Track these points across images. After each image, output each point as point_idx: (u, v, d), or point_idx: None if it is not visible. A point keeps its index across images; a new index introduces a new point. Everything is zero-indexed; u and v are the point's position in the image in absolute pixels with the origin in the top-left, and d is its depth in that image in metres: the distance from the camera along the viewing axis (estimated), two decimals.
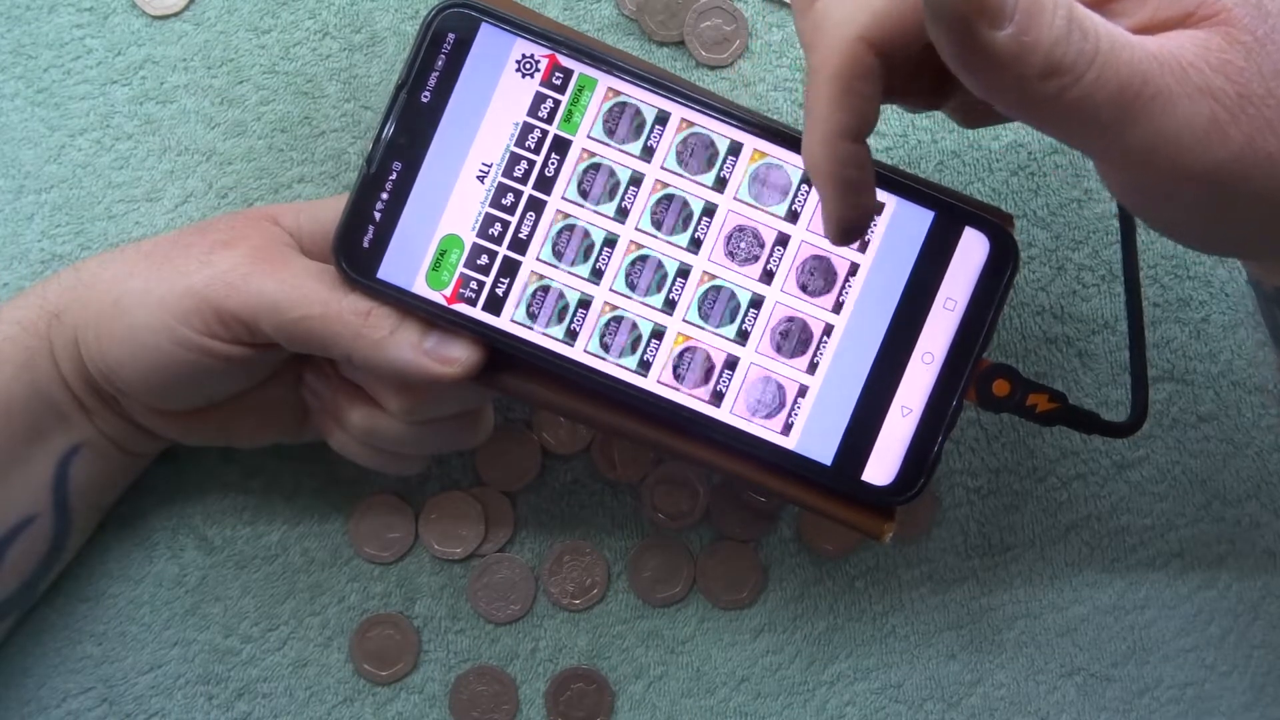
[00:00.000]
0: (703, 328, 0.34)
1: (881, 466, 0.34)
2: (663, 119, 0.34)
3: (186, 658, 0.43)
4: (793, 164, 0.34)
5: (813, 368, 0.34)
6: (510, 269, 0.34)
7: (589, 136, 0.34)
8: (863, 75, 0.25)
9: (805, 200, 0.34)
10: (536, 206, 0.34)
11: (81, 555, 0.42)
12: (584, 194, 0.34)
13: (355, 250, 0.34)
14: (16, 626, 0.42)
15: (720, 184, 0.34)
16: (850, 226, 0.27)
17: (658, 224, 0.34)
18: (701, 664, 0.44)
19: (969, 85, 0.25)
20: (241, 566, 0.43)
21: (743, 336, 0.34)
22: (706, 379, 0.34)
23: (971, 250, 0.34)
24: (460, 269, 0.34)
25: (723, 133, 0.34)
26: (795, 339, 0.34)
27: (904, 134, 0.43)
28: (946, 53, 0.24)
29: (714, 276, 0.34)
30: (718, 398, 0.35)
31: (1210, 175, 0.25)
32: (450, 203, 0.34)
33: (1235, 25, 0.25)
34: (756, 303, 0.34)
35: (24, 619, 0.42)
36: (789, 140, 0.34)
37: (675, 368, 0.34)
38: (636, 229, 0.34)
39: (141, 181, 0.43)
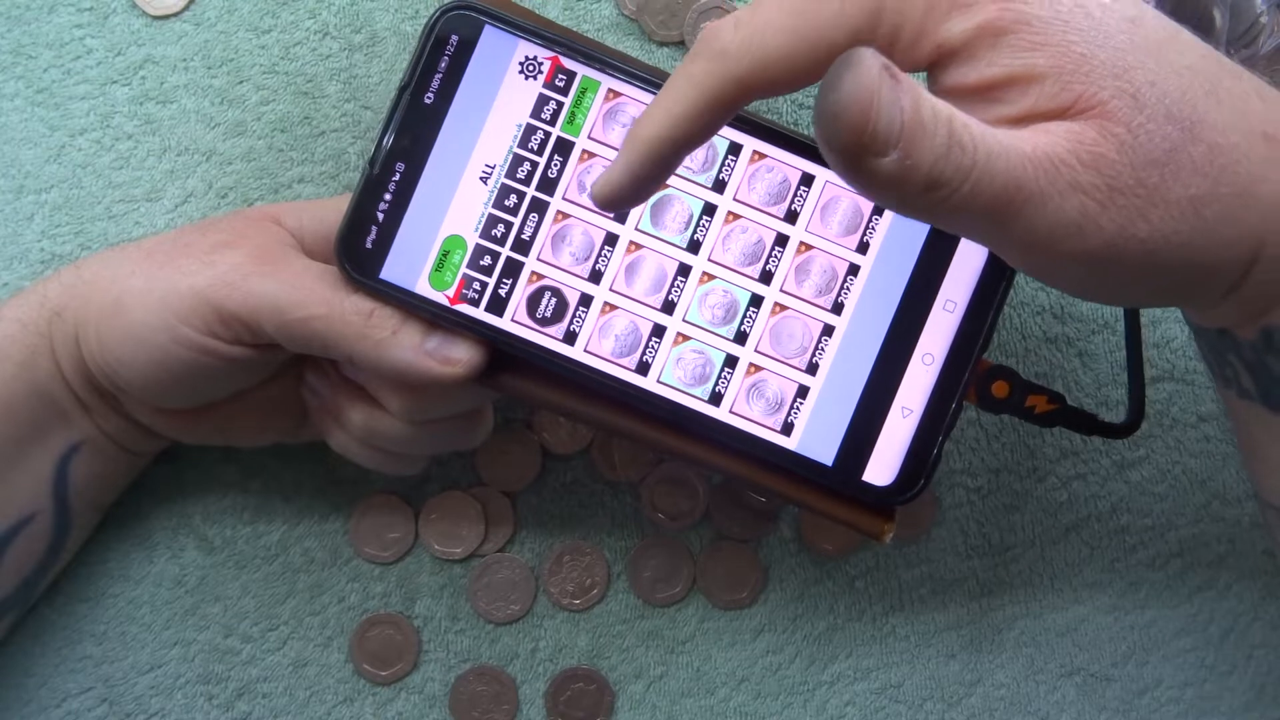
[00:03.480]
0: (703, 328, 0.34)
1: (882, 467, 0.35)
2: None
3: (186, 658, 0.43)
4: (792, 165, 0.34)
5: (813, 368, 0.34)
6: (513, 270, 0.34)
7: (591, 138, 0.34)
8: (723, 113, 0.27)
9: (804, 201, 0.34)
10: (539, 208, 0.34)
11: (81, 555, 0.42)
12: (586, 196, 0.34)
13: (358, 251, 0.34)
14: (16, 626, 0.42)
15: (720, 185, 0.34)
16: (618, 203, 0.28)
17: (659, 225, 0.34)
18: (701, 664, 0.44)
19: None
20: (241, 566, 0.43)
21: (742, 337, 0.34)
22: (707, 379, 0.34)
23: (971, 252, 0.34)
24: (463, 270, 0.34)
25: (722, 134, 0.34)
26: (796, 340, 0.34)
27: None
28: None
29: (714, 277, 0.34)
30: (718, 398, 0.35)
31: (1085, 260, 0.27)
32: (453, 204, 0.34)
33: (1110, 118, 0.26)
34: (756, 303, 0.34)
35: (24, 619, 0.42)
36: (788, 141, 0.34)
37: (676, 368, 0.34)
38: (638, 230, 0.34)
39: (141, 181, 0.43)
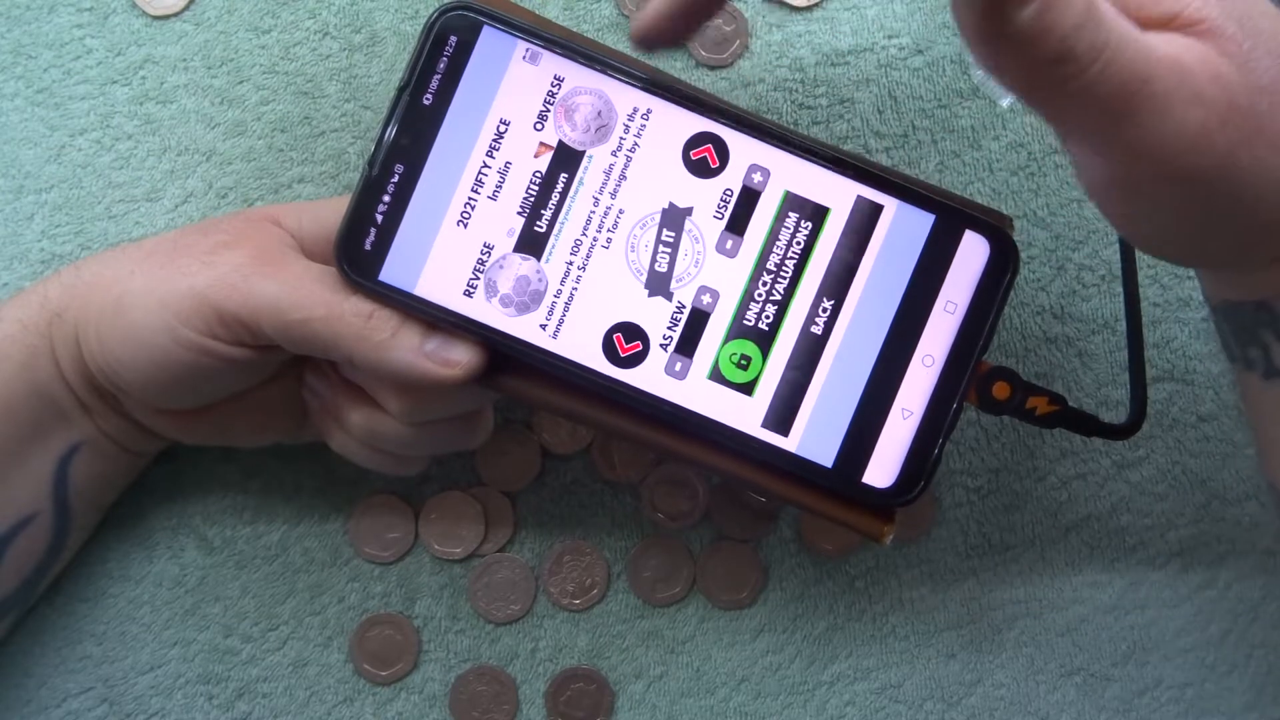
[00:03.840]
0: (703, 329, 0.34)
1: (882, 469, 0.34)
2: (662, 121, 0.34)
3: (186, 658, 0.43)
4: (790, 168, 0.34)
5: (813, 370, 0.34)
6: (513, 272, 0.34)
7: (589, 139, 0.34)
8: None
9: None
10: (539, 209, 0.34)
11: (81, 555, 0.42)
12: (585, 196, 0.34)
13: (357, 252, 0.34)
14: (16, 626, 0.42)
15: (719, 185, 0.34)
16: (653, 39, 0.28)
17: (658, 226, 0.34)
18: (701, 664, 0.44)
19: (979, 58, 0.25)
20: (241, 566, 0.43)
21: (744, 338, 0.34)
22: (709, 381, 0.34)
23: (972, 253, 0.34)
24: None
25: (722, 134, 0.34)
26: (795, 341, 0.34)
27: (905, 134, 0.43)
28: (965, 23, 0.24)
29: (714, 278, 0.34)
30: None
31: (1190, 178, 0.26)
32: (452, 205, 0.34)
33: (1224, 38, 0.26)
34: (756, 304, 0.34)
35: (24, 619, 0.42)
36: (788, 143, 0.34)
37: (675, 370, 0.34)
38: (637, 231, 0.34)
39: (141, 181, 0.43)
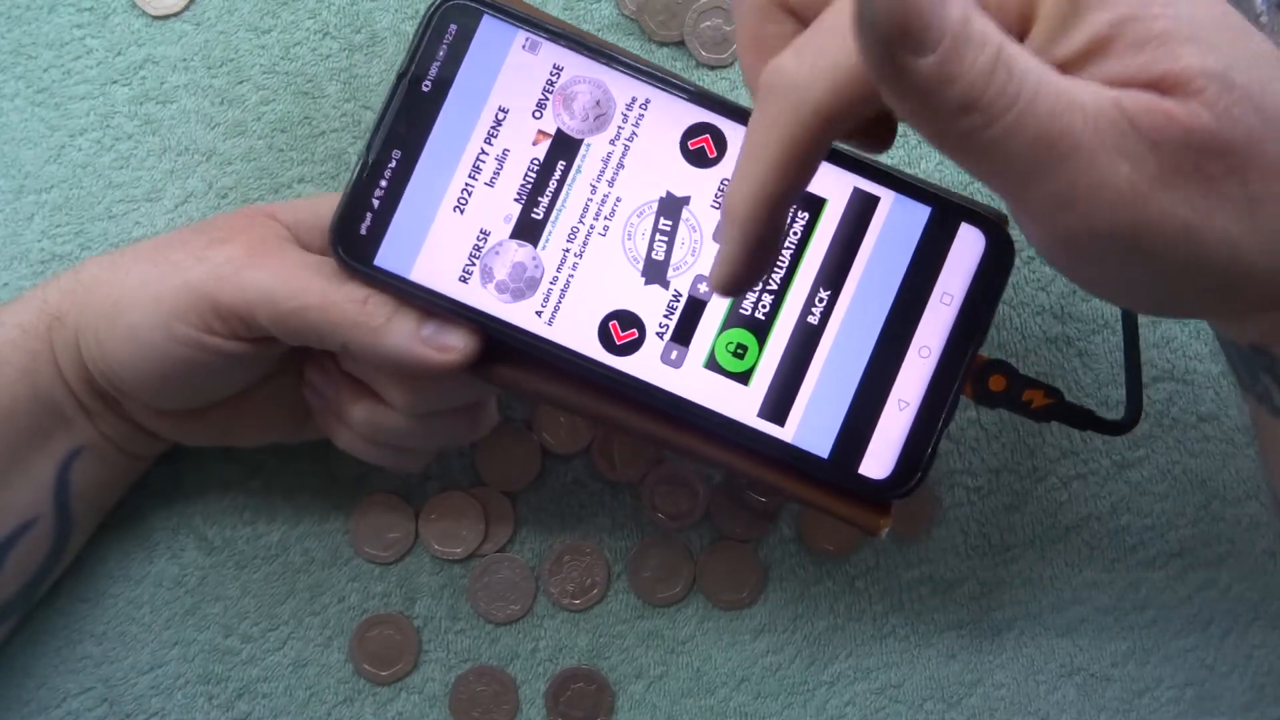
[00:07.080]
0: (699, 317, 0.34)
1: (878, 460, 0.34)
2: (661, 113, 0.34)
3: (186, 658, 0.43)
4: None
5: (810, 360, 0.34)
6: (509, 258, 0.34)
7: (588, 127, 0.34)
8: (812, 151, 0.25)
9: None
10: (536, 196, 0.34)
11: (81, 555, 0.42)
12: (583, 184, 0.34)
13: (352, 237, 0.34)
14: (17, 629, 0.42)
15: (716, 175, 0.34)
16: (742, 284, 0.27)
17: (655, 215, 0.34)
18: (701, 664, 0.44)
19: (891, 105, 0.24)
20: (241, 566, 0.43)
21: (740, 327, 0.34)
22: (705, 370, 0.34)
23: (967, 246, 0.34)
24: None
25: (719, 125, 0.34)
26: (792, 330, 0.34)
27: (904, 133, 0.43)
28: (870, 71, 0.23)
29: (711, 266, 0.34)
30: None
31: (1126, 235, 0.24)
32: (449, 191, 0.34)
33: (1196, 96, 0.24)
34: (753, 293, 0.34)
35: (24, 619, 0.42)
36: None
37: (671, 358, 0.34)
38: (634, 219, 0.34)
39: (141, 181, 0.43)
